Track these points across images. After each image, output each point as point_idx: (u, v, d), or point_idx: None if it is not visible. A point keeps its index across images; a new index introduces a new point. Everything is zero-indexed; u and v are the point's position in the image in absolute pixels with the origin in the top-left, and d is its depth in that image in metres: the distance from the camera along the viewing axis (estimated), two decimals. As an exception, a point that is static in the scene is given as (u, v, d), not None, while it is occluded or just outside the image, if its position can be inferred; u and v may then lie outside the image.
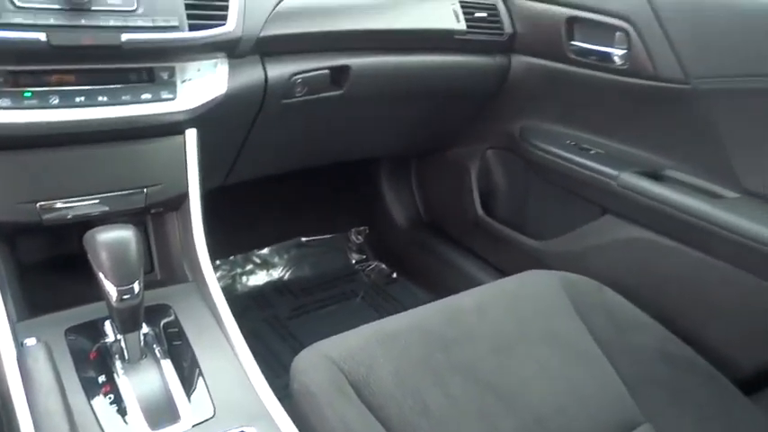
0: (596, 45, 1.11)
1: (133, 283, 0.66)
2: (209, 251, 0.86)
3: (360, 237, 1.68)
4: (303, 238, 1.61)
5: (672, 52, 0.99)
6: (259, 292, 1.49)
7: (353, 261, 1.65)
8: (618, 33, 1.07)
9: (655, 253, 1.04)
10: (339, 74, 1.02)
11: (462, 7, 1.15)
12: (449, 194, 1.50)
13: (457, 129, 1.40)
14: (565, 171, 1.17)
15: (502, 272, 1.35)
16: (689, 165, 1.04)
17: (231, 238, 1.47)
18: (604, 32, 1.09)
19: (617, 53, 1.08)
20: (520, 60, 1.24)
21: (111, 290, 0.66)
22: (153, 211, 0.87)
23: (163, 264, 0.92)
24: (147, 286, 0.71)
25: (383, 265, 1.62)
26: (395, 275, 1.60)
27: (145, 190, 0.81)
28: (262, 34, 0.87)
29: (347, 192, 1.63)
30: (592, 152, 1.15)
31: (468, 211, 1.43)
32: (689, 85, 0.98)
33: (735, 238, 0.90)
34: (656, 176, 1.06)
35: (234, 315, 0.79)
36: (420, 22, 1.10)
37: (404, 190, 1.61)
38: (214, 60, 0.84)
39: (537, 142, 1.23)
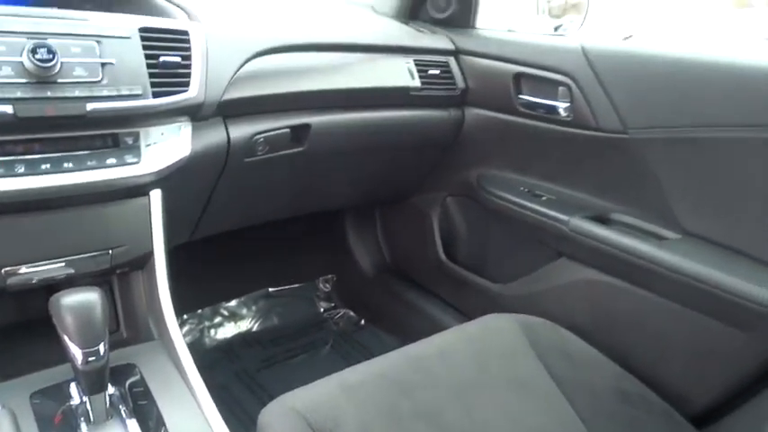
0: (542, 99, 1.18)
1: (98, 345, 0.67)
2: (176, 306, 0.88)
3: (327, 285, 1.70)
4: (271, 289, 1.63)
5: (610, 105, 1.07)
6: (228, 344, 1.49)
7: (322, 309, 1.67)
8: (561, 88, 1.14)
9: (607, 293, 1.09)
10: (300, 132, 1.06)
11: (416, 65, 1.22)
12: (412, 241, 1.54)
13: (417, 178, 1.46)
14: (520, 217, 1.22)
15: (466, 315, 1.39)
16: (634, 208, 1.11)
17: (199, 292, 1.47)
18: (549, 87, 1.16)
19: (561, 106, 1.15)
20: (473, 113, 1.31)
21: (77, 352, 0.67)
22: (118, 270, 0.88)
23: (128, 322, 0.93)
24: (112, 346, 0.72)
25: (351, 313, 1.64)
26: (363, 322, 1.62)
27: (110, 251, 0.83)
28: (224, 98, 0.90)
29: (314, 241, 1.66)
30: (544, 198, 1.21)
31: (431, 257, 1.47)
32: (627, 134, 1.06)
33: (677, 277, 0.96)
34: (603, 220, 1.12)
35: (202, 369, 0.81)
36: (376, 80, 1.16)
37: (369, 237, 1.65)
38: (178, 124, 0.86)
39: (493, 189, 1.29)
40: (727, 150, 0.95)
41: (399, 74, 1.20)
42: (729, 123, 0.95)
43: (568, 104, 1.13)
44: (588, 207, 1.16)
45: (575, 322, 1.06)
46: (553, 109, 1.17)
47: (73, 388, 0.76)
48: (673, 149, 1.01)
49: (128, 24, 0.79)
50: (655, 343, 1.03)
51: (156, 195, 0.87)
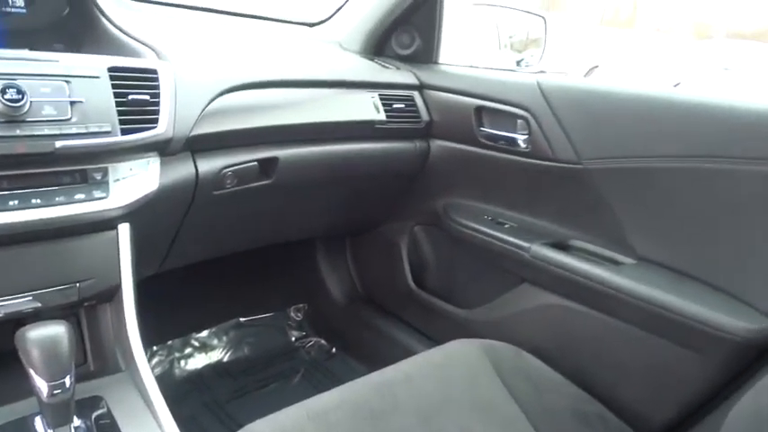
0: (502, 131, 1.24)
1: (64, 377, 0.68)
2: (145, 338, 0.88)
3: (299, 314, 1.71)
4: (242, 319, 1.63)
5: (565, 137, 1.13)
6: (198, 375, 1.49)
7: (293, 338, 1.67)
8: (519, 121, 1.20)
9: (567, 317, 1.13)
10: (268, 165, 1.09)
11: (381, 100, 1.26)
12: (382, 269, 1.57)
13: (385, 208, 1.49)
14: (484, 244, 1.26)
15: (435, 341, 1.41)
16: (591, 235, 1.16)
17: (169, 323, 1.47)
18: (508, 120, 1.22)
19: (520, 138, 1.20)
20: (438, 145, 1.36)
21: (42, 385, 0.67)
22: (86, 303, 0.89)
23: (96, 355, 0.93)
24: (79, 378, 0.73)
25: (322, 341, 1.65)
26: (334, 351, 1.63)
27: (78, 284, 0.84)
28: (192, 134, 0.92)
29: (285, 270, 1.68)
30: (507, 226, 1.26)
31: (400, 285, 1.50)
32: (581, 165, 1.11)
33: (632, 301, 1.00)
34: (563, 247, 1.17)
35: (172, 401, 0.81)
36: (343, 114, 1.20)
37: (340, 266, 1.67)
38: (146, 159, 0.88)
39: (458, 218, 1.33)
40: (675, 180, 1.01)
41: (365, 108, 1.24)
42: (676, 154, 1.01)
43: (527, 136, 1.19)
44: (549, 234, 1.20)
45: (537, 346, 1.10)
46: (513, 141, 1.22)
47: (38, 421, 0.76)
48: (624, 179, 1.07)
49: (97, 64, 0.82)
50: (613, 365, 1.07)
51: (124, 229, 0.88)
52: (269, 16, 1.54)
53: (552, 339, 1.15)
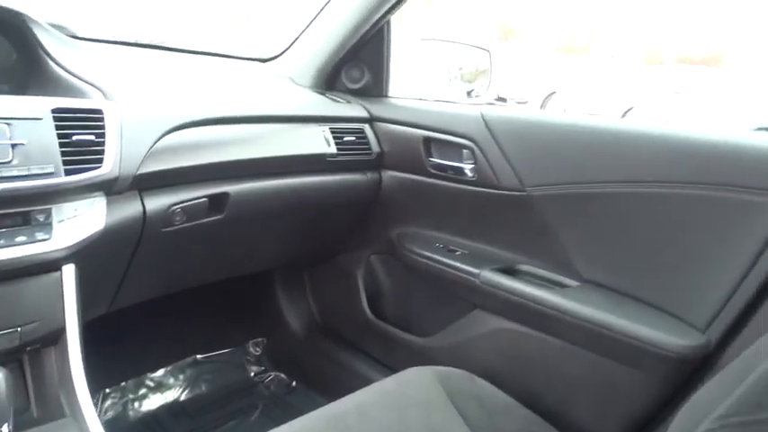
0: (450, 161, 1.28)
1: (1, 426, 0.67)
2: (96, 380, 0.87)
3: (258, 348, 1.70)
4: (199, 356, 1.61)
5: (508, 165, 1.17)
6: (153, 417, 1.45)
7: (252, 374, 1.65)
8: (465, 150, 1.24)
9: (518, 341, 1.15)
10: (218, 200, 1.09)
11: (332, 133, 1.29)
12: (340, 300, 1.57)
13: (340, 238, 1.51)
14: (437, 272, 1.28)
15: (394, 370, 1.41)
16: (538, 259, 1.19)
17: (121, 364, 1.44)
18: (455, 150, 1.26)
19: (467, 167, 1.24)
20: (389, 175, 1.39)
21: (-22, 435, 0.66)
22: (29, 348, 0.87)
23: (39, 400, 0.91)
24: (21, 426, 0.71)
25: (282, 375, 1.64)
26: (294, 384, 1.62)
27: (19, 329, 0.82)
28: (139, 172, 0.92)
29: (242, 304, 1.67)
30: (458, 253, 1.28)
31: (358, 315, 1.51)
32: (525, 192, 1.15)
33: (577, 322, 1.04)
34: (512, 272, 1.20)
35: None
36: (293, 148, 1.22)
37: (299, 297, 1.67)
38: (91, 199, 0.88)
39: (412, 247, 1.36)
40: (613, 204, 1.05)
41: (316, 141, 1.26)
42: (613, 180, 1.06)
43: (473, 165, 1.23)
44: (498, 260, 1.23)
45: (490, 370, 1.12)
46: (460, 170, 1.26)
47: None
48: (566, 204, 1.11)
49: (40, 106, 0.82)
50: (561, 386, 1.09)
51: (68, 270, 0.87)
52: (222, 53, 1.56)
53: (504, 363, 1.17)
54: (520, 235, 1.21)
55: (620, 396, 1.01)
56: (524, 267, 1.21)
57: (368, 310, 1.49)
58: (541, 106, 8.67)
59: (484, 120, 1.21)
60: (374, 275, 1.51)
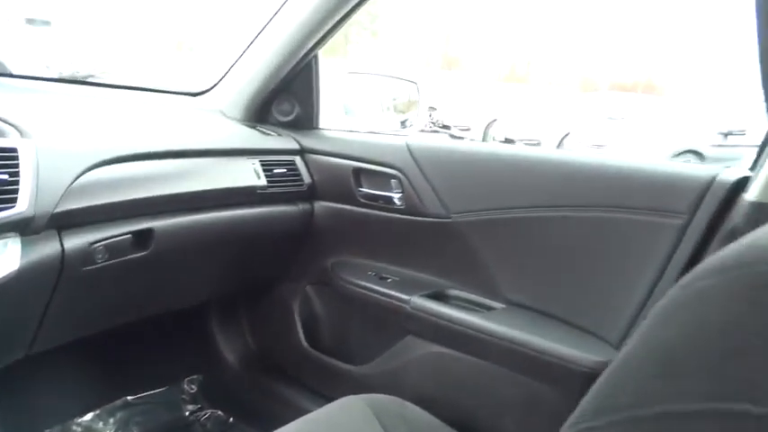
0: (379, 190, 1.31)
1: None
2: (15, 430, 0.83)
3: (193, 386, 1.66)
4: (130, 397, 1.55)
5: (433, 193, 1.21)
6: (81, 464, 1.39)
7: (187, 413, 1.61)
8: (393, 180, 1.27)
9: (448, 365, 1.18)
10: (143, 236, 1.08)
11: (263, 165, 1.30)
12: (277, 331, 1.56)
13: (275, 269, 1.51)
14: (370, 300, 1.30)
15: (331, 400, 1.41)
16: (465, 284, 1.23)
17: (45, 409, 1.38)
18: (383, 179, 1.29)
19: (395, 196, 1.28)
20: (321, 206, 1.40)
21: None
22: None
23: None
24: None
25: (219, 412, 1.60)
26: (231, 420, 1.58)
27: None
28: (57, 210, 0.90)
29: (176, 340, 1.63)
30: (389, 280, 1.31)
31: (294, 346, 1.50)
32: (450, 218, 1.19)
33: (502, 343, 1.07)
34: (441, 297, 1.23)
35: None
36: (222, 182, 1.22)
37: (235, 330, 1.65)
38: (4, 240, 0.86)
39: (346, 276, 1.37)
40: (530, 228, 1.10)
41: (245, 174, 1.27)
42: (530, 204, 1.11)
43: (401, 194, 1.26)
44: (429, 285, 1.26)
45: (422, 395, 1.13)
46: (389, 199, 1.29)
47: None
48: (489, 229, 1.16)
49: (-51, 146, 0.80)
50: (490, 407, 1.12)
51: (-21, 313, 0.85)
52: (151, 88, 1.56)
53: (435, 388, 1.19)
54: (448, 260, 1.25)
55: (543, 414, 1.04)
56: (453, 292, 1.24)
57: (304, 341, 1.48)
58: (483, 133, 8.95)
59: (409, 150, 1.25)
60: (310, 305, 1.51)
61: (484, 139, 8.87)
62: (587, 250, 1.04)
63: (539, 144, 7.97)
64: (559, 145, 7.90)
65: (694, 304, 0.31)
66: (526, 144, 8.03)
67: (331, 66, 1.61)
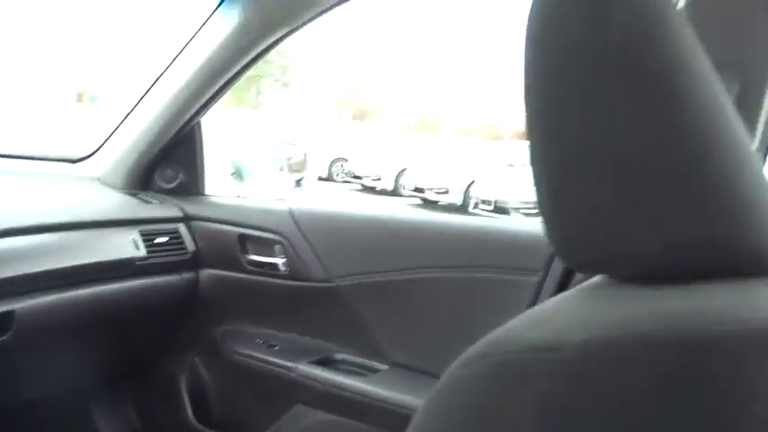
0: (264, 256, 1.30)
1: None
2: None
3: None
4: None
5: (316, 258, 1.22)
6: None
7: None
8: (276, 246, 1.27)
9: (336, 433, 1.16)
10: (1, 320, 1.01)
11: (142, 235, 1.26)
12: (164, 408, 1.48)
13: (160, 343, 1.44)
14: (259, 369, 1.27)
15: None
16: (350, 347, 1.23)
17: None
18: (267, 245, 1.29)
19: (280, 261, 1.27)
20: (207, 274, 1.37)
21: None
22: None
23: None
24: None
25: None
26: None
27: None
28: None
29: (49, 427, 1.50)
30: (276, 348, 1.29)
31: (181, 423, 1.43)
32: (333, 283, 1.20)
33: (386, 406, 1.07)
34: (327, 362, 1.22)
35: None
36: (96, 256, 1.16)
37: (119, 412, 1.54)
38: None
39: (234, 345, 1.33)
40: (408, 289, 1.13)
41: (123, 245, 1.22)
42: (407, 267, 1.14)
43: (285, 260, 1.26)
44: (316, 351, 1.25)
45: None
46: (274, 265, 1.28)
47: None
48: (371, 292, 1.18)
49: None
50: None
51: None
52: (27, 155, 1.49)
53: None
54: (333, 325, 1.25)
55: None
56: (340, 356, 1.24)
57: (192, 417, 1.42)
58: (394, 182, 9.16)
59: (292, 215, 1.26)
60: (199, 378, 1.45)
61: (395, 188, 9.10)
62: (458, 308, 1.08)
63: (447, 192, 8.29)
64: (465, 192, 8.22)
65: (449, 393, 0.33)
66: (436, 192, 8.35)
67: (222, 127, 1.61)
